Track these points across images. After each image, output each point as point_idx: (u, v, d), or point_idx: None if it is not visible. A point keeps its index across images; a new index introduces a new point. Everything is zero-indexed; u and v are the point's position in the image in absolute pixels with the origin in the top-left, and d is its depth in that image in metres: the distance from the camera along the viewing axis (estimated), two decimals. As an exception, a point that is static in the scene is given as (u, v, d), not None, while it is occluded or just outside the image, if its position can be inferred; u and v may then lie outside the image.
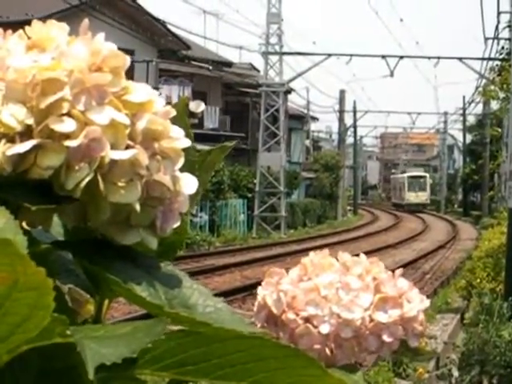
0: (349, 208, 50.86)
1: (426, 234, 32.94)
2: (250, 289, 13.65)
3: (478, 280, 10.91)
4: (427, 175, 63.66)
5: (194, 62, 31.45)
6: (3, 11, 22.33)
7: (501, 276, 9.89)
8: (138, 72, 24.57)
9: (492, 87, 15.58)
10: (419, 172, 65.64)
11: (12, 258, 0.51)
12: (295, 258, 17.87)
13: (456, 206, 59.51)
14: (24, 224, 0.63)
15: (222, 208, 26.80)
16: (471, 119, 50.27)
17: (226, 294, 12.83)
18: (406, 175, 63.66)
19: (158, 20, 28.44)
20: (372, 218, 46.61)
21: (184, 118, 0.73)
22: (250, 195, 29.50)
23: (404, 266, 17.86)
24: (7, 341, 0.55)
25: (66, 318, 0.54)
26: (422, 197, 60.44)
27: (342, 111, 47.56)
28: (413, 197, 60.23)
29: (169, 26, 28.89)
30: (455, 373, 6.69)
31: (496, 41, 25.05)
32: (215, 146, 0.79)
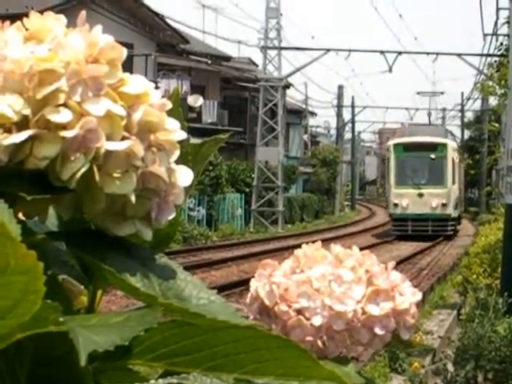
0: (346, 203, 50.86)
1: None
2: (247, 283, 13.52)
3: (475, 276, 10.91)
4: (448, 142, 29.48)
5: (192, 56, 31.42)
6: (2, 4, 22.29)
7: (497, 272, 9.90)
8: (136, 66, 24.55)
9: (490, 83, 15.56)
10: (428, 137, 29.34)
11: (2, 240, 0.51)
12: (292, 252, 17.80)
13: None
14: (20, 215, 0.64)
15: (220, 202, 26.79)
16: (469, 115, 50.33)
17: (223, 288, 12.81)
18: (391, 143, 30.16)
19: (156, 14, 28.39)
20: (369, 214, 46.63)
21: (178, 109, 0.73)
22: (247, 190, 29.51)
23: (401, 261, 17.89)
24: (-2, 326, 0.54)
25: (58, 305, 0.54)
26: (434, 199, 27.79)
27: (340, 106, 47.57)
28: (408, 200, 27.85)
29: (168, 20, 28.88)
30: (450, 368, 6.70)
31: (495, 37, 25.08)
32: (208, 138, 0.80)
